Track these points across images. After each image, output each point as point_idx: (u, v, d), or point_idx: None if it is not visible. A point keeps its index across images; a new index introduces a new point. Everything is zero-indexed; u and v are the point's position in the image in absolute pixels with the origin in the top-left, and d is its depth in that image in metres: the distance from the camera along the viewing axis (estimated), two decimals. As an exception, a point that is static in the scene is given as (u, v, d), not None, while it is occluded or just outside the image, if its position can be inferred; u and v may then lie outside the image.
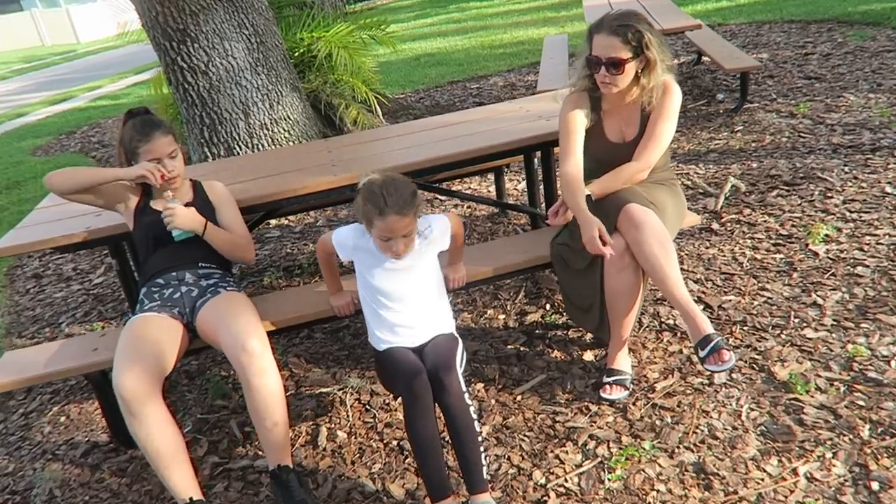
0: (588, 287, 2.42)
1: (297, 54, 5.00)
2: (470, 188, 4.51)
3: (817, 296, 2.72)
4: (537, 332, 2.81)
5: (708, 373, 2.40)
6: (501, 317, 2.98)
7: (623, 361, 2.43)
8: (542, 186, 3.27)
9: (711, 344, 2.11)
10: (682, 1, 9.93)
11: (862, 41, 6.52)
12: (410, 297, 2.12)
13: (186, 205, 2.33)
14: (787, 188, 3.70)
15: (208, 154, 4.49)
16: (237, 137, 4.42)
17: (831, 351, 2.41)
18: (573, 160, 2.38)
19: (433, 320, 2.16)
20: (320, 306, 2.45)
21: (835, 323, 2.55)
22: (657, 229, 2.22)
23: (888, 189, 3.47)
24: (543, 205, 3.45)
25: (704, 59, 6.60)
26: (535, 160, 3.49)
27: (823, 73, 5.73)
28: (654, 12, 5.88)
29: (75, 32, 27.82)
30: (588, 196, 2.31)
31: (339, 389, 2.68)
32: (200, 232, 2.29)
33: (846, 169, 3.79)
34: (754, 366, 2.40)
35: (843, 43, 6.61)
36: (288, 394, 2.70)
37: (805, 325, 2.57)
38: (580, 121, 2.43)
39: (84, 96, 12.48)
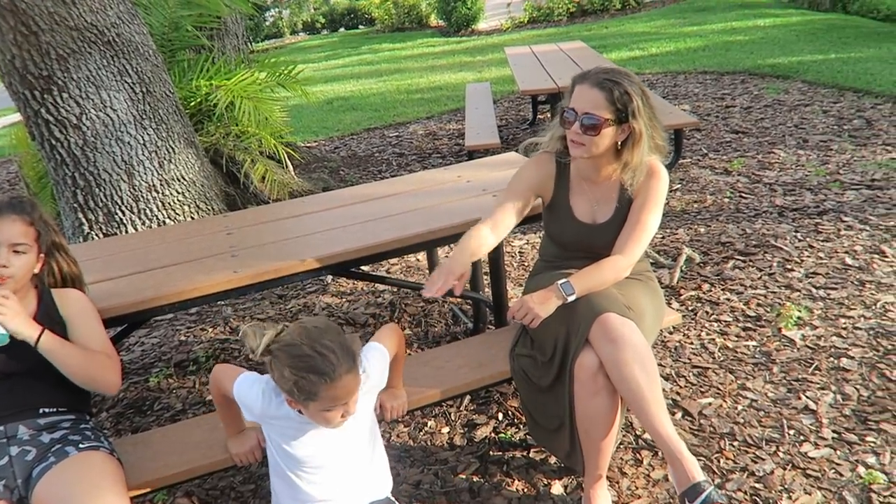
0: (556, 405, 1.96)
1: (192, 104, 4.37)
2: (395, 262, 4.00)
3: (807, 398, 2.38)
4: (491, 453, 2.31)
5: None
6: (445, 430, 2.47)
7: (603, 501, 1.96)
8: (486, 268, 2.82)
9: (703, 496, 1.69)
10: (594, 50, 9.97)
11: (777, 94, 6.58)
12: (340, 462, 1.60)
13: None
14: (742, 258, 3.42)
15: (83, 220, 3.77)
16: (119, 201, 3.73)
17: (841, 476, 2.04)
18: (493, 219, 2.04)
19: (365, 488, 1.66)
20: (217, 452, 1.85)
21: (836, 436, 2.19)
22: (638, 346, 1.80)
23: (848, 260, 3.24)
24: (489, 290, 2.98)
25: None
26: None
27: (749, 127, 5.66)
28: (579, 61, 5.67)
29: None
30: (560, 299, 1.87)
31: (243, 548, 2.07)
32: (32, 340, 1.63)
33: (798, 235, 3.57)
34: (757, 500, 1.99)
35: (759, 96, 6.66)
36: (174, 555, 2.07)
37: (803, 438, 2.20)
38: (531, 185, 2.09)
39: (-49, 137, 11.12)
